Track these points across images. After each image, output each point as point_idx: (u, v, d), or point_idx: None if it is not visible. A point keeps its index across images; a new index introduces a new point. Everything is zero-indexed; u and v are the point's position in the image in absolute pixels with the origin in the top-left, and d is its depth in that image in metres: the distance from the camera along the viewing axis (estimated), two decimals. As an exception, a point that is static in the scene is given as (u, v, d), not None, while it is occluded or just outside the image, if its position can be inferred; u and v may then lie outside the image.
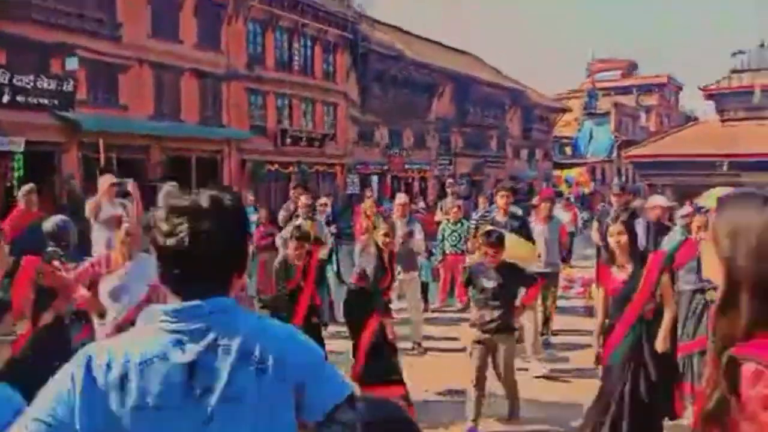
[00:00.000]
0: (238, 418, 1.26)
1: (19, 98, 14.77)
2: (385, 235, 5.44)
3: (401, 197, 8.05)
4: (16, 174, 14.09)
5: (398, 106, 27.73)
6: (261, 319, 1.43)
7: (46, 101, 15.32)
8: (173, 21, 18.94)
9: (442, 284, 9.27)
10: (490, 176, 34.13)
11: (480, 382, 4.67)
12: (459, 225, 8.82)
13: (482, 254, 4.91)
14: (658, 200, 7.65)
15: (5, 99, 14.51)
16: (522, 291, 5.01)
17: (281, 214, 8.47)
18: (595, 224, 9.11)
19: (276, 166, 21.98)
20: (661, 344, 4.01)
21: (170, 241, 1.30)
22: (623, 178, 45.02)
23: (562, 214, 9.95)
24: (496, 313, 4.71)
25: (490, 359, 4.75)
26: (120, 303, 4.28)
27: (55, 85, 15.60)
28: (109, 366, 1.27)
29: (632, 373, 4.00)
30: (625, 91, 55.53)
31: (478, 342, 4.73)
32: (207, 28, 19.87)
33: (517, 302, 4.96)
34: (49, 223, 6.90)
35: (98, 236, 6.66)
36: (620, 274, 4.15)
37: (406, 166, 28.85)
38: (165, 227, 1.32)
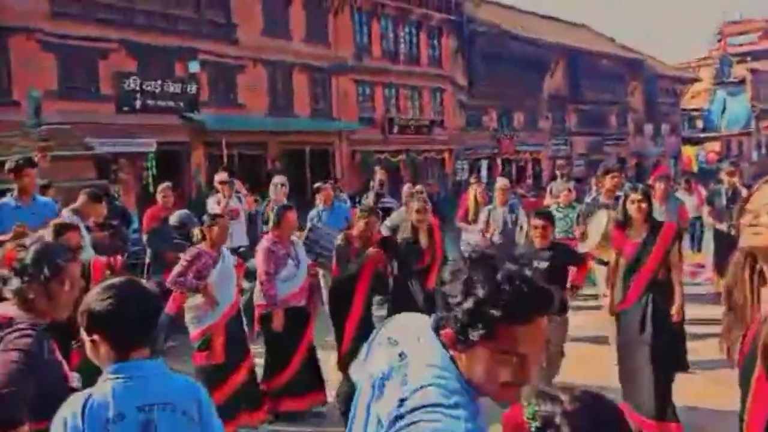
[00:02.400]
0: None
1: (149, 102, 16.09)
2: (417, 211, 5.29)
3: (501, 182, 7.76)
4: (149, 173, 15.38)
5: (507, 87, 26.97)
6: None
7: (172, 104, 16.56)
8: (283, 18, 19.67)
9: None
10: (611, 155, 32.30)
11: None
12: (569, 209, 8.32)
13: (534, 234, 4.88)
14: None
15: (137, 104, 15.86)
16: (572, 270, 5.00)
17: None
18: (705, 208, 8.33)
19: (385, 154, 22.26)
20: (676, 312, 4.41)
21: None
22: (764, 152, 40.88)
23: (686, 198, 9.19)
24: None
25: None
26: (223, 293, 4.54)
27: (180, 88, 16.82)
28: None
29: (647, 329, 4.31)
30: (763, 55, 50.04)
31: None
32: (314, 23, 20.44)
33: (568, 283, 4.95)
34: (175, 217, 7.51)
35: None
36: (636, 237, 4.45)
37: (518, 149, 28.07)
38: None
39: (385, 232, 8.10)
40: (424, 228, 5.45)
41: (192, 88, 17.05)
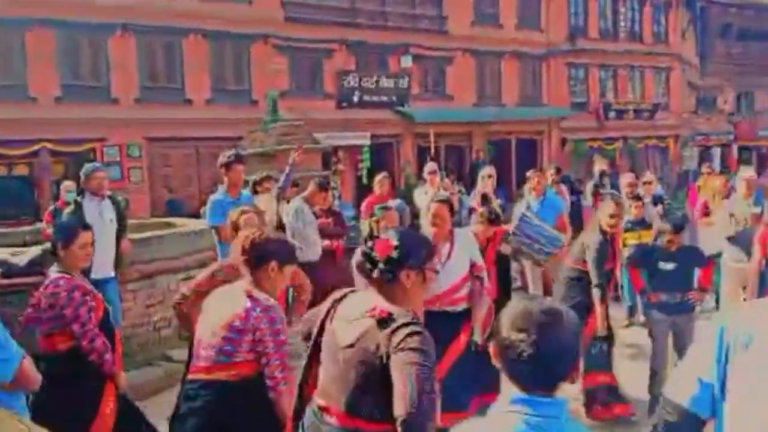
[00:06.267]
0: None
1: (365, 98, 17.11)
2: (611, 216, 4.70)
3: (746, 171, 6.73)
4: (364, 164, 16.39)
5: (749, 64, 23.52)
6: None
7: (386, 98, 17.42)
8: (495, 6, 19.45)
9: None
10: None
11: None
12: None
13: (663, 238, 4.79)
14: None
15: (355, 99, 16.96)
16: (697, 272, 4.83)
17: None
18: None
19: (599, 142, 20.89)
20: None
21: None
22: None
23: None
24: (678, 296, 4.70)
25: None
26: None
27: (393, 82, 17.61)
28: None
29: None
30: None
31: (660, 324, 4.75)
32: (527, 8, 19.88)
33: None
34: (391, 205, 7.89)
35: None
36: None
37: (759, 134, 24.40)
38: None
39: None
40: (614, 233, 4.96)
41: (404, 83, 17.74)
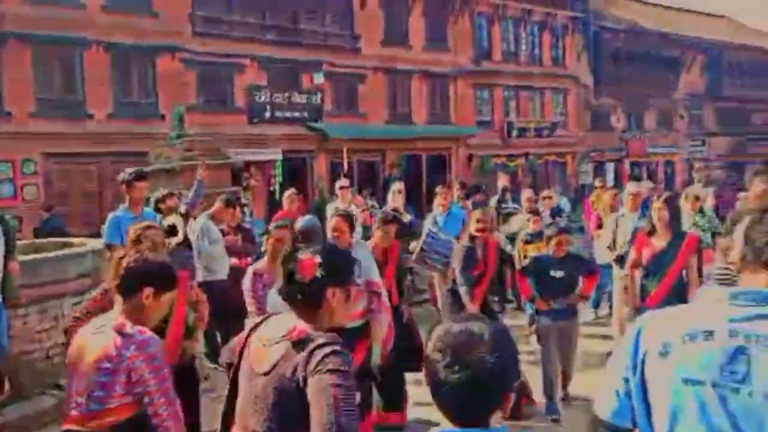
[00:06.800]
0: None
1: (278, 113, 17.04)
2: (478, 221, 5.08)
3: (632, 186, 7.29)
4: (277, 180, 16.27)
5: (637, 86, 25.45)
6: None
7: (298, 114, 17.42)
8: (404, 27, 19.99)
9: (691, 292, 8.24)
10: (756, 157, 29.37)
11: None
12: (699, 216, 7.62)
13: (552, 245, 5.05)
14: None
15: (267, 115, 16.85)
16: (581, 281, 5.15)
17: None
18: None
19: (503, 159, 21.86)
20: None
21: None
22: None
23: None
24: (565, 302, 4.99)
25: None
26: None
27: (306, 99, 17.65)
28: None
29: None
30: None
31: (547, 329, 5.01)
32: (434, 29, 20.57)
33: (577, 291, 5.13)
34: (300, 222, 7.89)
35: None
36: (658, 243, 4.73)
37: (649, 151, 26.38)
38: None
39: (502, 239, 8.01)
40: (483, 239, 5.32)
41: (316, 99, 17.83)
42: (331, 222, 4.23)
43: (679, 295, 4.65)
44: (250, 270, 3.92)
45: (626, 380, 1.42)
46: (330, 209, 7.99)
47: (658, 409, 1.36)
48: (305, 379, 1.69)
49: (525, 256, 6.51)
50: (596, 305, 7.77)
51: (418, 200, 17.02)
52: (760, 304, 1.31)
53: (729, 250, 5.06)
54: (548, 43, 23.72)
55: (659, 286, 4.70)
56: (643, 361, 1.38)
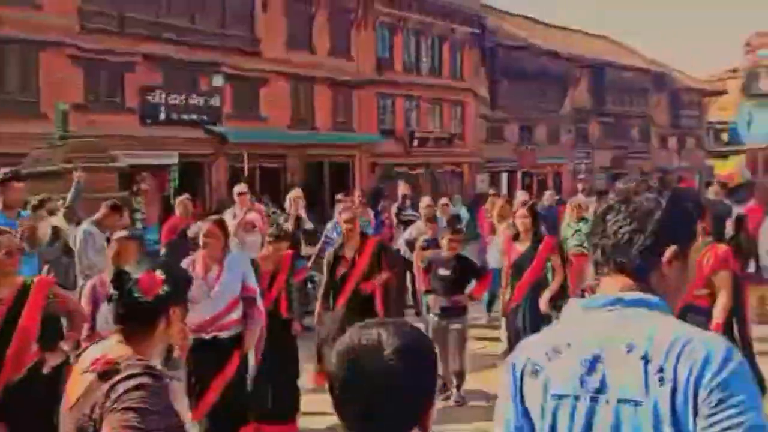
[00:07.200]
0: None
1: (173, 115, 16.37)
2: (345, 222, 5.21)
3: (521, 195, 7.71)
4: (171, 184, 15.62)
5: (529, 100, 26.89)
6: None
7: (195, 117, 16.84)
8: (307, 32, 19.90)
9: (571, 292, 8.79)
10: (633, 169, 31.90)
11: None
12: (582, 223, 8.27)
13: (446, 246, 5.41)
14: None
15: (161, 117, 16.15)
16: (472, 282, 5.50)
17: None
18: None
19: (405, 167, 22.29)
20: (543, 304, 5.24)
21: None
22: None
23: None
24: (452, 301, 5.28)
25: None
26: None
27: (204, 101, 17.10)
28: None
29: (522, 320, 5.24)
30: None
31: (436, 326, 5.31)
32: (338, 37, 20.64)
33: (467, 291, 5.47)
34: (194, 229, 7.60)
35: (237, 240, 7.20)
36: (520, 247, 5.31)
37: (539, 161, 27.90)
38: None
39: (402, 246, 8.16)
40: (353, 239, 5.26)
41: (215, 101, 17.32)
42: (204, 227, 4.11)
43: (538, 291, 5.23)
44: (89, 283, 3.74)
45: (509, 408, 1.37)
46: (227, 216, 7.79)
47: (539, 429, 1.33)
48: (101, 419, 1.47)
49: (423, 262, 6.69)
50: (489, 308, 8.08)
51: (321, 207, 16.96)
52: (611, 309, 1.30)
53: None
54: (448, 56, 24.51)
55: (520, 283, 5.24)
56: (521, 387, 1.35)
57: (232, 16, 18.10)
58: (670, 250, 1.32)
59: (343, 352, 1.12)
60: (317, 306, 5.25)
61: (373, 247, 5.23)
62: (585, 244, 8.08)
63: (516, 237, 5.41)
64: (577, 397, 1.27)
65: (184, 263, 4.14)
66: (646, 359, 1.21)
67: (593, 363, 1.26)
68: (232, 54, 17.79)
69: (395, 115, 22.75)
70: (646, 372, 1.21)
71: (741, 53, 52.32)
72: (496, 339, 7.01)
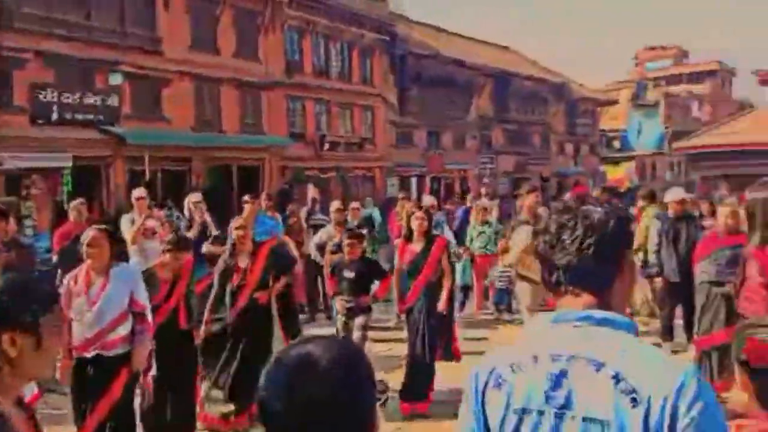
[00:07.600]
0: None
1: (67, 115, 15.36)
2: (236, 228, 5.10)
3: (426, 199, 7.93)
4: (65, 188, 14.65)
5: (437, 106, 27.58)
6: None
7: (91, 117, 15.88)
8: (212, 33, 19.36)
9: (477, 289, 9.12)
10: (534, 173, 33.52)
11: None
12: (486, 226, 8.69)
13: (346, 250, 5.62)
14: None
15: (54, 116, 15.11)
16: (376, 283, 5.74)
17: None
18: None
19: (316, 171, 22.18)
20: (442, 305, 5.57)
21: None
22: (675, 171, 43.54)
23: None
24: (355, 300, 5.50)
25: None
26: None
27: (100, 100, 16.17)
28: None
29: (424, 320, 5.37)
30: (676, 80, 53.56)
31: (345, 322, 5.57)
32: (245, 38, 20.22)
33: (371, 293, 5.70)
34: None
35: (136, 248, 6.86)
36: (415, 248, 5.51)
37: (447, 166, 28.67)
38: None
39: (312, 250, 8.10)
40: (245, 246, 5.17)
41: (113, 101, 16.43)
42: (88, 235, 3.84)
43: (434, 289, 5.47)
44: None
45: (470, 422, 1.37)
46: (124, 221, 7.37)
47: None
48: None
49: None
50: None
51: (229, 212, 16.48)
52: (579, 325, 1.30)
53: (506, 253, 5.80)
54: (357, 62, 24.66)
55: (415, 283, 5.41)
56: (482, 400, 1.34)
57: (132, 14, 17.28)
58: (628, 254, 1.39)
59: (273, 372, 1.03)
60: (205, 316, 4.98)
61: (266, 254, 5.14)
62: (489, 246, 8.44)
63: (409, 238, 5.59)
64: (541, 413, 1.26)
65: (67, 276, 3.93)
66: (617, 379, 1.21)
67: (559, 378, 1.26)
68: (131, 53, 16.98)
69: (305, 119, 22.59)
70: (615, 392, 1.20)
71: (631, 65, 56.52)
72: (401, 341, 7.11)
